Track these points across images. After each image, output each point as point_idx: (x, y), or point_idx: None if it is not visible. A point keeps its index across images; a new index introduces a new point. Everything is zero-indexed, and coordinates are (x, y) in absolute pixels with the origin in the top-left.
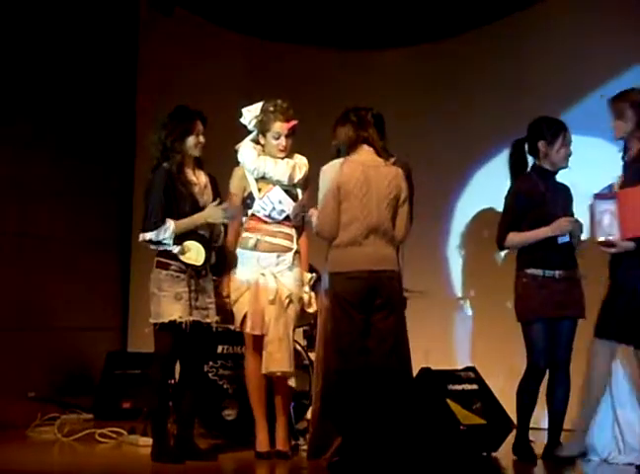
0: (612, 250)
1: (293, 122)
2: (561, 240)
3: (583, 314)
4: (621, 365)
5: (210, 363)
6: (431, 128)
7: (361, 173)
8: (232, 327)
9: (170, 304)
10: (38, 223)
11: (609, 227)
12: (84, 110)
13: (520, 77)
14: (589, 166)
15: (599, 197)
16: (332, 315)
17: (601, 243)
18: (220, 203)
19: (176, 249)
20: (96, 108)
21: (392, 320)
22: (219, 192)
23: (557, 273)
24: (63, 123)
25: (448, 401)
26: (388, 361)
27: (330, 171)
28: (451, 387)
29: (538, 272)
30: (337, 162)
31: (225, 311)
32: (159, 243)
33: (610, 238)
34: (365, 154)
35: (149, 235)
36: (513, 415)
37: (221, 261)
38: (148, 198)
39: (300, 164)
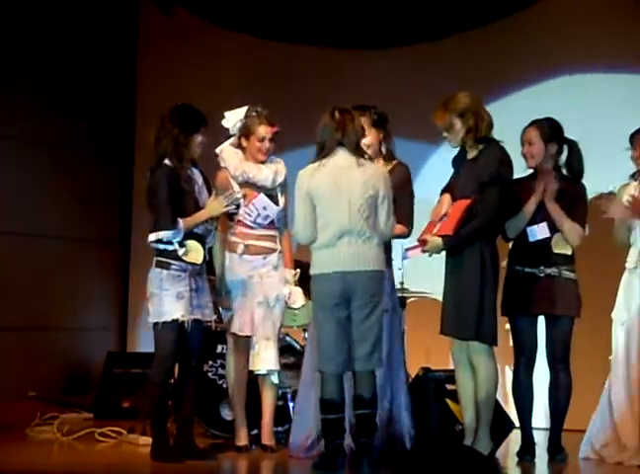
0: (425, 247)
1: (277, 128)
2: (532, 238)
3: (554, 311)
4: (619, 366)
5: (210, 363)
6: (430, 128)
7: (331, 177)
8: None
9: (172, 303)
10: (37, 223)
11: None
12: (83, 109)
13: (517, 77)
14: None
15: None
16: (314, 317)
17: (422, 241)
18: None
19: (181, 250)
20: (95, 108)
21: (373, 320)
22: (211, 191)
23: (526, 269)
24: (63, 122)
25: (448, 401)
26: (369, 362)
27: (303, 176)
28: (451, 387)
29: (516, 268)
30: (310, 167)
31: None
32: (167, 242)
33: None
34: (340, 156)
35: (163, 234)
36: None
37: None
38: (156, 197)
39: (280, 168)
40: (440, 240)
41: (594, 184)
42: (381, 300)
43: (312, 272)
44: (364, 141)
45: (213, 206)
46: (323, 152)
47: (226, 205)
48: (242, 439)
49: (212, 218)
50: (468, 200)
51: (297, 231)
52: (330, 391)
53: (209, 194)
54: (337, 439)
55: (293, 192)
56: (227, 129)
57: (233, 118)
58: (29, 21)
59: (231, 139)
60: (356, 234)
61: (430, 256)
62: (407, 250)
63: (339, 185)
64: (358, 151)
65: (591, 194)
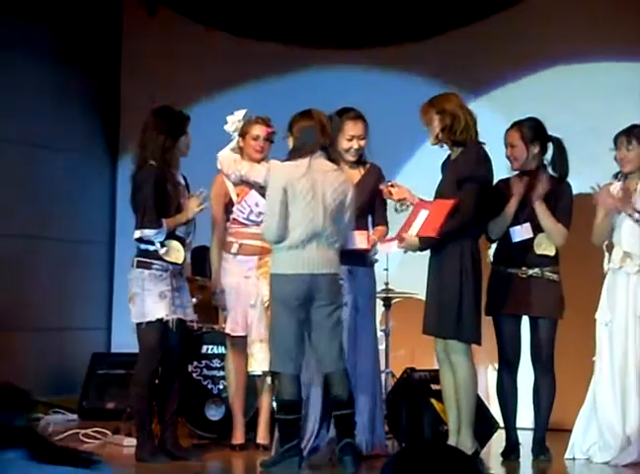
0: (402, 245)
1: (273, 129)
2: (515, 239)
3: (537, 313)
4: (603, 366)
5: (195, 363)
6: (417, 128)
7: (309, 177)
8: (217, 327)
9: (154, 303)
10: (21, 224)
11: (414, 228)
12: (67, 109)
13: (508, 76)
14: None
15: (421, 204)
16: (274, 316)
17: (400, 238)
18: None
19: (163, 249)
20: (79, 108)
21: (336, 319)
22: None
23: (509, 270)
24: (47, 122)
25: (433, 401)
26: (341, 361)
27: (279, 171)
28: (435, 387)
29: (500, 268)
30: (287, 164)
31: (209, 310)
32: (149, 242)
33: (407, 234)
34: (320, 158)
35: (148, 233)
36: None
37: (202, 261)
38: (141, 196)
39: None
40: (417, 241)
41: (578, 183)
42: (342, 302)
43: (277, 271)
44: (357, 146)
45: (190, 208)
46: (303, 153)
47: (199, 204)
48: (239, 438)
49: (190, 221)
50: (451, 201)
51: (269, 227)
52: (290, 392)
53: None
54: (294, 439)
55: None
56: (216, 127)
57: (232, 120)
58: (12, 19)
59: (232, 143)
60: (324, 237)
61: (405, 252)
62: (381, 243)
63: (315, 186)
64: (334, 156)
65: (575, 193)
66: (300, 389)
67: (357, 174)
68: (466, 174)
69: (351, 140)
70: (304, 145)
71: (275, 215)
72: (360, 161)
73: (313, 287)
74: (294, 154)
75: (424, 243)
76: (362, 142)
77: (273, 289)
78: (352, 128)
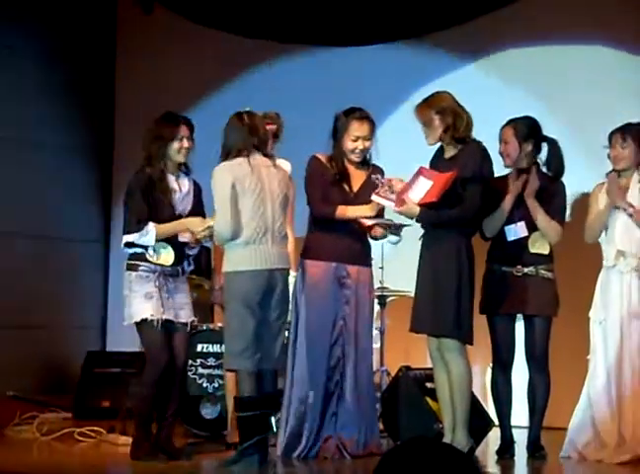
0: (401, 208)
1: (270, 125)
2: (509, 237)
3: (531, 311)
4: (598, 365)
5: (190, 362)
6: (413, 127)
7: (254, 172)
8: (212, 325)
9: (140, 304)
10: (17, 222)
11: (415, 196)
12: (62, 108)
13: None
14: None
15: (424, 172)
16: (233, 313)
17: (400, 200)
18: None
19: (153, 256)
20: (74, 107)
21: (285, 319)
22: (202, 200)
23: (503, 268)
24: (42, 122)
25: (427, 399)
26: (282, 360)
27: (224, 170)
28: (430, 385)
29: (494, 266)
30: (228, 163)
31: (204, 308)
32: (140, 246)
33: (410, 197)
34: (256, 157)
35: (131, 237)
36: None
37: (198, 259)
38: (129, 201)
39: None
40: (417, 209)
41: (573, 181)
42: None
43: (236, 268)
44: (362, 146)
45: (194, 223)
46: (234, 153)
47: (202, 230)
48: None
49: (193, 234)
50: (454, 172)
51: (222, 226)
52: (249, 389)
53: (198, 202)
54: (255, 437)
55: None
56: (211, 126)
57: None
58: (7, 19)
59: None
60: (276, 230)
61: (390, 231)
62: (375, 194)
63: (262, 180)
64: (269, 153)
65: (570, 192)
66: (262, 384)
67: (362, 175)
68: (472, 171)
69: (356, 141)
70: (233, 145)
71: (227, 213)
72: (364, 162)
73: (271, 283)
74: (225, 153)
75: (421, 214)
76: (368, 143)
77: (231, 287)
78: (357, 129)
